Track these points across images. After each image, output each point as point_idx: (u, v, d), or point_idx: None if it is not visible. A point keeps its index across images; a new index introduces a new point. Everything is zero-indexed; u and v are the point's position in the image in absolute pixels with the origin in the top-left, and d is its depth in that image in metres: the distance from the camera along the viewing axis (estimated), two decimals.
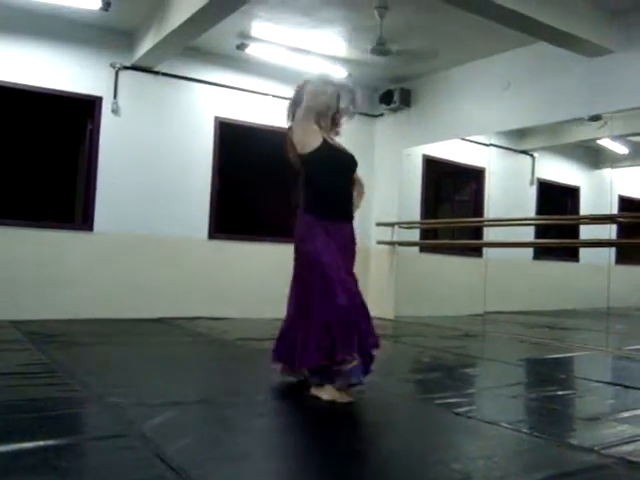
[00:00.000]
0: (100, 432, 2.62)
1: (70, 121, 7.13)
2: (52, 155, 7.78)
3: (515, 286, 8.34)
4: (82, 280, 6.40)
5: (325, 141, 3.42)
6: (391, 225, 7.95)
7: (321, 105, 3.44)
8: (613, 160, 7.95)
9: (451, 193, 9.43)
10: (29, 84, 6.21)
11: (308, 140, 3.39)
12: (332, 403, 3.12)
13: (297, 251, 3.41)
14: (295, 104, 3.50)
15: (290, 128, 3.48)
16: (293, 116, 3.50)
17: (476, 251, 8.22)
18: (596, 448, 2.54)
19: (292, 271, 3.46)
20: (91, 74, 6.52)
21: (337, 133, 3.59)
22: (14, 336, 5.05)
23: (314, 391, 3.23)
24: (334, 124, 3.55)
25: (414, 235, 8.25)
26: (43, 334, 5.16)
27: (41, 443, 2.32)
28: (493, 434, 2.75)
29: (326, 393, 3.16)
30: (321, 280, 3.22)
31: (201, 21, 5.43)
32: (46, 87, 6.30)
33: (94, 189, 6.53)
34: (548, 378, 4.38)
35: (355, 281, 3.38)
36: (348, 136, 3.80)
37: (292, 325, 3.40)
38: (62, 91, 6.39)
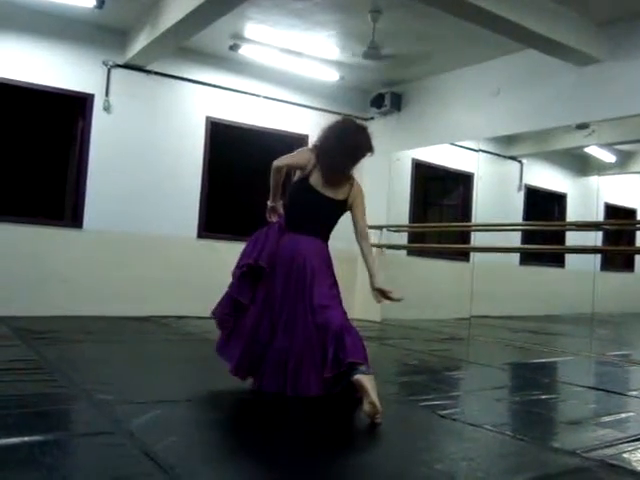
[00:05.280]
0: (87, 429, 2.63)
1: (61, 118, 7.11)
2: (43, 152, 7.76)
3: (501, 291, 8.40)
4: (71, 277, 6.39)
5: None
6: (379, 228, 7.98)
7: None
8: (600, 168, 8.03)
9: (439, 197, 9.48)
10: (21, 80, 6.20)
11: None
12: (318, 403, 3.15)
13: (331, 274, 3.50)
14: None
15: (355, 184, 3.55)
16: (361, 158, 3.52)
17: (463, 255, 8.27)
18: (578, 451, 2.58)
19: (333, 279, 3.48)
20: (83, 71, 6.52)
21: None
22: (2, 332, 5.03)
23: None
24: None
25: (402, 238, 8.29)
26: (31, 330, 5.14)
27: (27, 439, 2.33)
28: (477, 436, 2.79)
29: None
30: None
31: (195, 21, 5.44)
32: (38, 83, 6.29)
33: (84, 186, 6.53)
34: (532, 382, 4.42)
35: None
36: None
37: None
38: (54, 88, 6.38)
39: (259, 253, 3.39)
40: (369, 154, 3.48)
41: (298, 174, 3.51)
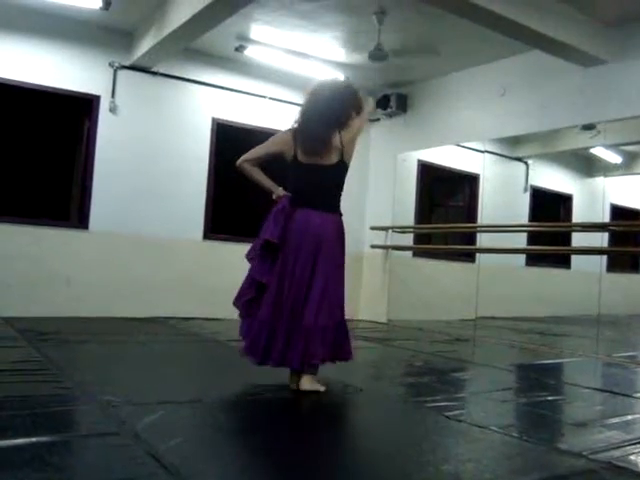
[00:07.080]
0: (92, 430, 2.62)
1: (68, 119, 7.13)
2: (49, 153, 7.78)
3: (507, 292, 8.37)
4: (77, 278, 6.40)
5: None
6: (385, 229, 7.98)
7: None
8: (606, 169, 8.00)
9: (445, 198, 9.48)
10: (27, 81, 6.22)
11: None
12: (323, 404, 3.15)
13: (341, 253, 3.47)
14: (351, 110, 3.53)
15: (348, 135, 3.49)
16: (346, 119, 3.49)
17: (469, 256, 8.25)
18: (584, 453, 2.57)
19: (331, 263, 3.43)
20: (89, 73, 6.54)
21: None
22: (7, 333, 5.05)
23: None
24: None
25: (408, 239, 8.28)
26: (36, 331, 5.15)
27: (34, 440, 2.33)
28: (483, 437, 2.78)
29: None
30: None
31: (201, 23, 5.45)
32: (44, 85, 6.31)
33: (90, 188, 6.54)
34: (538, 383, 4.41)
35: None
36: None
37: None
38: (60, 89, 6.40)
39: (264, 231, 3.43)
40: (354, 113, 3.48)
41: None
